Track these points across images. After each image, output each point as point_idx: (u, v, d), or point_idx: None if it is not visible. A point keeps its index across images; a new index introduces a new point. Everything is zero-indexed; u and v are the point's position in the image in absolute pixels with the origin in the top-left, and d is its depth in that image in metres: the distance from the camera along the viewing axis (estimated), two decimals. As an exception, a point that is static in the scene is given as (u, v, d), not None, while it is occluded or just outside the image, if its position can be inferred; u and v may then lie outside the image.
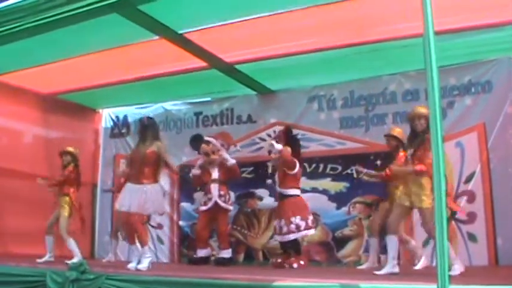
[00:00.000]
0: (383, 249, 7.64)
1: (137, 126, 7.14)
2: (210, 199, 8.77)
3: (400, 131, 7.59)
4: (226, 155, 8.86)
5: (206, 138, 9.07)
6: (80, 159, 8.93)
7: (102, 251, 10.70)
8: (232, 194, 9.24)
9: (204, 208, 8.83)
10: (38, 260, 8.25)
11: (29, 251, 8.67)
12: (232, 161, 8.86)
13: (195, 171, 8.98)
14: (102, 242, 10.93)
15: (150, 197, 7.01)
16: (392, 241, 6.41)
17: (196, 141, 9.21)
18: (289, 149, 8.03)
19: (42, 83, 9.83)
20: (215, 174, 8.88)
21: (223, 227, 8.93)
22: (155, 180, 7.19)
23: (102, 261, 9.61)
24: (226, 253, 8.80)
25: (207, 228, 8.98)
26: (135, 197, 6.98)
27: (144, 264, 6.92)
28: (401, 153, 7.12)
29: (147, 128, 7.28)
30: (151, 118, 7.51)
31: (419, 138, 6.29)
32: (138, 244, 7.21)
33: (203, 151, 8.95)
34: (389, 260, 6.37)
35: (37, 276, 6.23)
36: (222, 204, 8.76)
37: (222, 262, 8.64)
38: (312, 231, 8.14)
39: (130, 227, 7.26)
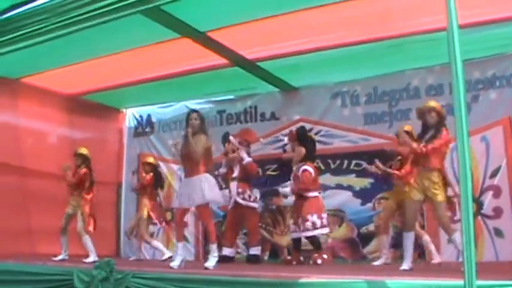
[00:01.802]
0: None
1: (189, 119, 7.00)
2: (230, 198, 8.84)
3: (410, 127, 7.63)
4: (243, 153, 8.86)
5: (230, 137, 9.11)
6: (91, 160, 8.95)
7: (128, 249, 10.77)
8: (257, 192, 9.23)
9: (229, 207, 8.91)
10: (54, 258, 8.35)
11: (54, 250, 8.73)
12: (247, 159, 8.85)
13: (222, 170, 9.02)
14: (128, 241, 10.99)
15: (201, 187, 6.82)
16: (410, 238, 6.41)
17: (225, 140, 9.24)
18: (303, 150, 8.09)
19: (66, 84, 9.93)
20: (236, 172, 8.92)
21: (251, 224, 8.98)
22: (204, 171, 7.01)
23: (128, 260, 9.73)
24: (256, 250, 8.85)
25: (233, 226, 9.03)
26: (187, 192, 6.88)
27: (211, 263, 6.70)
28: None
29: (197, 120, 7.11)
30: (198, 111, 7.39)
31: (433, 130, 6.29)
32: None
33: (226, 150, 9.04)
34: (407, 256, 6.37)
35: (64, 275, 6.26)
36: (241, 202, 8.78)
37: (251, 259, 8.70)
38: (326, 230, 8.14)
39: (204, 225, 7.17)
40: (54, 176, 9.02)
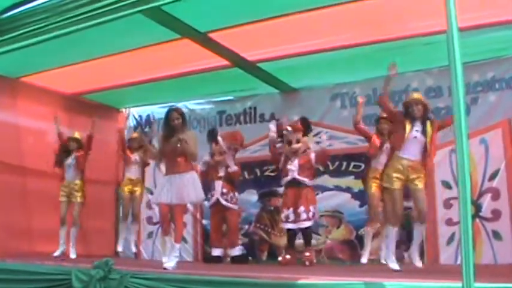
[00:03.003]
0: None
1: (166, 118, 7.03)
2: (212, 195, 8.89)
3: None
4: (230, 161, 8.93)
5: (218, 137, 9.08)
6: (83, 146, 9.20)
7: (127, 249, 10.77)
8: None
9: (207, 204, 9.00)
10: (54, 254, 8.38)
11: (53, 248, 8.76)
12: (234, 168, 8.96)
13: (201, 168, 9.03)
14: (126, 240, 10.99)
15: (188, 185, 6.87)
16: (395, 233, 6.42)
17: (211, 136, 9.18)
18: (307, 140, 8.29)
19: (66, 83, 9.95)
20: (222, 172, 8.95)
21: (232, 224, 9.02)
22: (191, 168, 7.08)
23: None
24: (238, 250, 8.94)
25: (218, 226, 9.10)
26: (172, 188, 6.86)
27: (171, 263, 6.72)
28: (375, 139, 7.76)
29: (179, 119, 7.11)
30: (178, 109, 7.38)
31: (419, 122, 6.37)
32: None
33: (212, 150, 9.03)
34: (390, 253, 6.41)
35: (62, 275, 6.26)
36: (224, 202, 8.85)
37: (237, 260, 8.79)
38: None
39: (174, 222, 7.18)
40: (54, 175, 9.03)
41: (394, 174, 6.33)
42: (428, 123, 6.36)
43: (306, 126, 8.44)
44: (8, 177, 9.14)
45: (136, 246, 10.15)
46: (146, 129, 11.44)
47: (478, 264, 4.42)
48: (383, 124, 7.84)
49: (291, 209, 8.11)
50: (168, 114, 7.11)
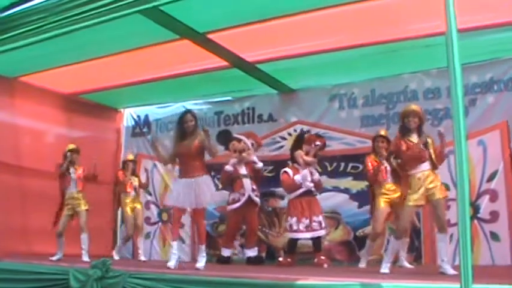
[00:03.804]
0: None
1: (180, 120, 7.06)
2: (243, 194, 8.75)
3: (385, 131, 8.04)
4: (255, 157, 8.92)
5: (237, 135, 9.13)
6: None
7: (124, 249, 10.76)
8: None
9: (236, 205, 8.77)
10: (51, 258, 8.36)
11: (51, 249, 8.73)
12: (260, 164, 8.93)
13: (229, 168, 8.89)
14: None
15: (204, 189, 6.92)
16: (399, 245, 6.43)
17: (225, 137, 9.19)
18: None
19: (64, 83, 9.93)
20: (243, 170, 8.88)
21: (254, 224, 8.98)
22: (205, 172, 7.12)
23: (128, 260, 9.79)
24: (254, 251, 8.88)
25: (236, 226, 9.04)
26: (190, 192, 6.90)
27: (201, 264, 6.86)
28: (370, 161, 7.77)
29: (193, 121, 7.16)
30: (192, 111, 7.40)
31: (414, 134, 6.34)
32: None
33: (235, 148, 8.97)
34: (386, 259, 6.43)
35: (59, 274, 6.28)
36: (256, 199, 8.83)
37: (253, 261, 8.74)
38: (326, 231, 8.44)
39: (196, 226, 7.24)
40: (52, 175, 9.02)
41: (415, 196, 6.28)
42: (428, 138, 6.33)
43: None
44: (6, 177, 9.13)
45: (149, 254, 10.12)
46: (144, 130, 11.43)
47: (476, 266, 4.42)
48: (380, 143, 7.81)
49: (309, 218, 8.15)
50: (182, 116, 7.15)
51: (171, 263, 6.84)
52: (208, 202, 7.13)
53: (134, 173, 10.10)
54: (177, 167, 7.51)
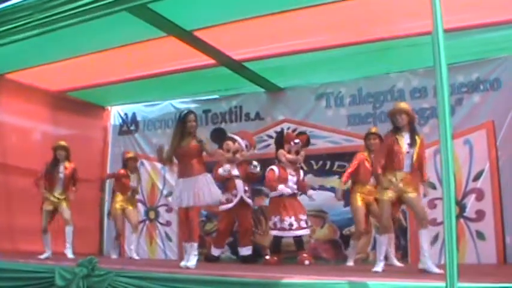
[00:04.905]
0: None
1: (182, 120, 7.06)
2: (235, 195, 8.76)
3: (376, 128, 8.11)
4: (255, 162, 8.88)
5: (232, 136, 9.13)
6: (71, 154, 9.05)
7: (111, 248, 10.75)
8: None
9: (229, 206, 8.77)
10: (40, 256, 8.32)
11: (37, 248, 8.69)
12: (258, 169, 8.86)
13: (223, 173, 8.71)
14: (111, 239, 10.97)
15: (203, 187, 6.91)
16: (385, 241, 6.43)
17: (219, 135, 9.17)
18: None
19: (51, 80, 9.89)
20: (235, 171, 8.86)
21: (248, 224, 9.01)
22: (205, 171, 7.10)
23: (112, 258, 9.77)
24: (248, 250, 8.88)
25: (228, 226, 9.04)
26: (189, 191, 6.89)
27: (192, 262, 6.76)
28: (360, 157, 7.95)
29: (195, 122, 7.17)
30: (194, 112, 7.36)
31: (405, 131, 6.35)
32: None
33: (228, 148, 8.94)
34: (379, 259, 6.39)
35: (45, 273, 6.24)
36: (248, 200, 8.86)
37: (247, 260, 8.74)
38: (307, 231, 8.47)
39: (189, 223, 7.08)
40: (38, 173, 8.97)
41: (387, 185, 6.31)
42: (417, 137, 6.34)
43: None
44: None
45: (137, 253, 10.06)
46: (132, 128, 11.41)
47: (461, 264, 4.45)
48: (372, 140, 7.85)
49: (293, 217, 8.22)
50: (185, 117, 7.12)
51: (191, 263, 6.73)
52: (206, 201, 7.05)
53: (136, 171, 10.12)
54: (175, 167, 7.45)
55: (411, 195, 6.23)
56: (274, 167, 8.45)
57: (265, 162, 9.07)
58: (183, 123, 7.11)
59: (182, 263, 6.88)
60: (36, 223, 8.69)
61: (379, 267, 6.29)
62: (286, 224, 8.17)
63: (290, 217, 8.19)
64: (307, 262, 8.00)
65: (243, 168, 8.89)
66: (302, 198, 8.63)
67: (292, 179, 8.40)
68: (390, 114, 6.51)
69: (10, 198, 9.27)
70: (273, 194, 8.45)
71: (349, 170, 7.95)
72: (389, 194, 6.26)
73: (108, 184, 11.15)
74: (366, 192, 7.84)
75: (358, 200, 7.84)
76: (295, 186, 8.37)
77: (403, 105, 6.50)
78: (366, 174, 7.78)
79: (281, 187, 8.25)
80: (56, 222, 8.86)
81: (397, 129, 6.41)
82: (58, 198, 8.77)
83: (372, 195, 7.56)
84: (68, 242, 8.66)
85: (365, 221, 7.94)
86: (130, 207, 9.86)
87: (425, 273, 5.85)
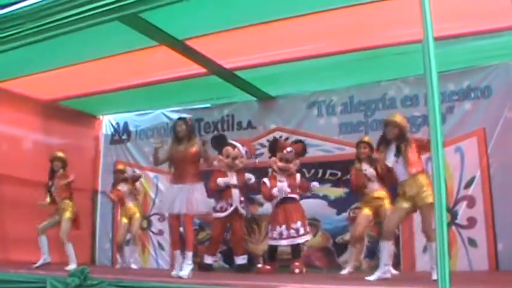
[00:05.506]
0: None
1: (175, 126, 7.11)
2: (230, 204, 8.69)
3: (369, 138, 7.99)
4: (249, 175, 8.90)
5: (233, 142, 9.10)
6: (67, 164, 8.97)
7: (103, 257, 10.72)
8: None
9: (222, 215, 8.70)
10: (34, 265, 8.26)
11: (29, 257, 8.65)
12: (253, 180, 8.88)
13: (222, 184, 8.69)
14: (103, 248, 10.93)
15: (197, 196, 6.89)
16: (388, 247, 6.40)
17: (220, 142, 9.16)
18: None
19: (42, 89, 9.87)
20: (234, 180, 8.83)
21: (241, 233, 8.97)
22: (199, 179, 7.09)
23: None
24: (243, 259, 8.82)
25: (220, 235, 8.99)
26: (182, 198, 6.85)
27: (185, 272, 6.61)
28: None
29: (190, 127, 7.22)
30: (185, 118, 7.40)
31: (397, 143, 6.32)
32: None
33: (228, 153, 8.90)
34: (381, 265, 6.35)
35: (37, 283, 6.21)
36: (242, 211, 8.81)
37: (242, 269, 8.69)
38: (308, 237, 8.43)
39: (184, 231, 7.06)
40: (29, 182, 8.95)
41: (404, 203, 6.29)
42: (402, 146, 6.31)
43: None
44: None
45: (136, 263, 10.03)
46: (124, 137, 11.39)
47: (453, 271, 4.46)
48: (362, 149, 7.82)
49: (281, 226, 8.21)
50: (174, 123, 7.25)
51: (184, 273, 6.61)
52: (200, 210, 7.04)
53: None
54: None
55: (427, 203, 6.05)
56: (265, 180, 8.49)
57: (257, 171, 9.07)
58: (173, 129, 7.23)
59: (174, 272, 6.84)
60: (28, 232, 8.65)
61: (385, 272, 6.24)
62: (277, 234, 8.20)
63: (281, 226, 8.19)
64: (297, 271, 7.95)
65: (242, 178, 8.88)
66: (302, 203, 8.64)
67: (281, 185, 8.34)
68: (385, 124, 6.52)
69: (1, 207, 9.22)
70: (274, 202, 8.42)
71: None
72: (405, 205, 6.24)
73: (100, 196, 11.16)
74: (371, 199, 7.65)
75: (366, 209, 7.71)
76: (288, 190, 8.30)
77: (398, 118, 6.45)
78: (364, 184, 7.70)
79: (275, 191, 8.26)
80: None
81: (384, 140, 6.44)
82: (61, 205, 8.73)
83: (379, 201, 7.53)
84: (71, 259, 8.51)
85: (364, 226, 7.86)
86: (136, 214, 9.75)
87: (416, 281, 5.86)
